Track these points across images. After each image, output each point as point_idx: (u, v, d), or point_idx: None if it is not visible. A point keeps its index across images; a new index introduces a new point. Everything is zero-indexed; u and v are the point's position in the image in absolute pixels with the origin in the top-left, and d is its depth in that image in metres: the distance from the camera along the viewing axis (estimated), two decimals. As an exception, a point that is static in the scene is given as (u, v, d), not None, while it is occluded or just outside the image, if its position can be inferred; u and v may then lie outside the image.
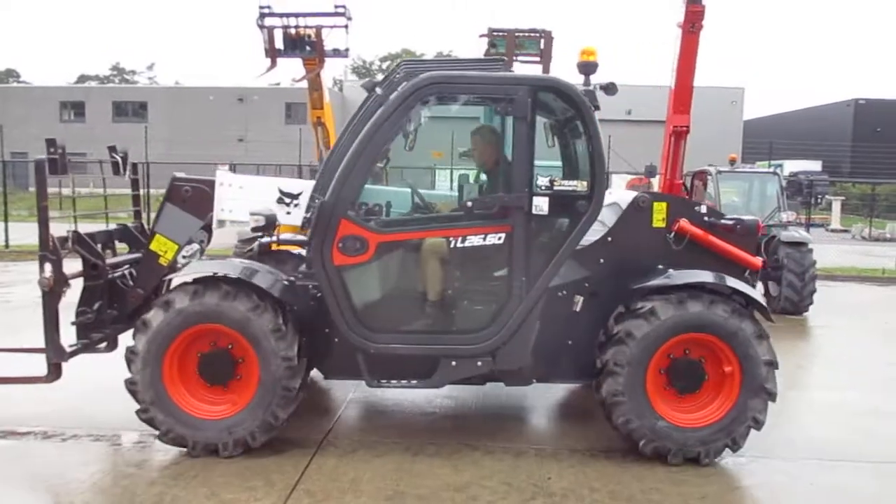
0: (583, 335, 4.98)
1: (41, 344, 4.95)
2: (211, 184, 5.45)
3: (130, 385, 4.68)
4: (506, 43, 10.96)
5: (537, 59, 11.13)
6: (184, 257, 5.75)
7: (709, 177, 11.88)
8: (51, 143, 4.97)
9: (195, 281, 4.73)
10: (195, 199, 5.39)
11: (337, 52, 11.94)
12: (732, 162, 12.56)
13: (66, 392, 5.43)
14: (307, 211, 5.34)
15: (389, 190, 6.48)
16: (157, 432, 4.72)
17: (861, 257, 17.85)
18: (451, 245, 4.65)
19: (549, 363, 5.03)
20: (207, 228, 5.71)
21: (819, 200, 26.96)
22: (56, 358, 5.01)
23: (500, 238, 4.63)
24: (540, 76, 4.63)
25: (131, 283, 5.55)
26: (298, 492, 4.24)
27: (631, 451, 4.85)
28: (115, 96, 41.11)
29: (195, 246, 5.86)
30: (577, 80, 4.88)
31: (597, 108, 4.65)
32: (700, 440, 4.76)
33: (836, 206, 28.64)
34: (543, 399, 6.18)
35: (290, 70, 13.63)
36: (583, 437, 5.31)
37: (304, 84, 12.69)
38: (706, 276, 4.84)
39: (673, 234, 5.04)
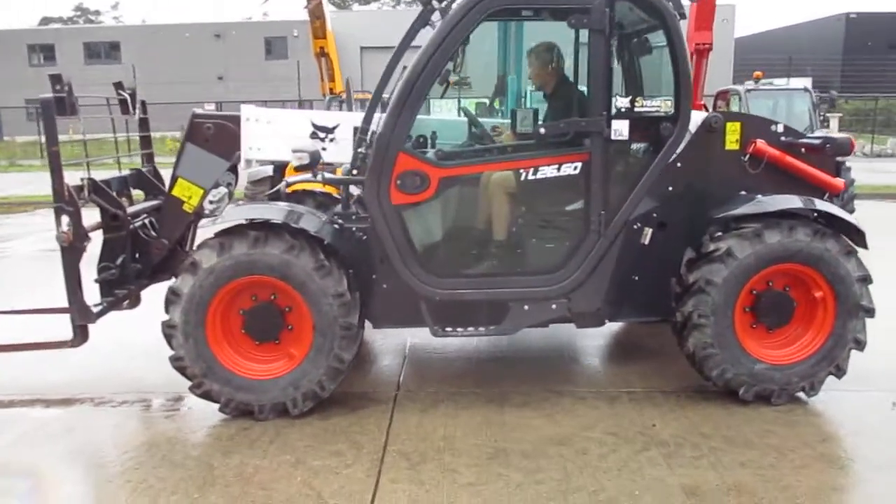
0: (651, 269, 4.63)
1: (58, 303, 4.56)
2: (235, 119, 4.97)
3: (176, 362, 4.29)
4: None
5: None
6: (210, 202, 5.32)
7: (732, 96, 11.44)
8: (56, 79, 4.45)
9: (217, 234, 4.30)
10: (218, 137, 4.91)
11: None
12: (758, 79, 12.08)
13: (98, 355, 5.08)
14: (358, 146, 4.88)
15: (433, 119, 6.00)
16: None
17: (869, 174, 17.55)
18: (522, 178, 4.25)
19: (620, 301, 4.70)
20: (233, 169, 5.27)
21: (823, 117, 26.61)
22: (82, 319, 4.61)
23: (575, 168, 4.23)
24: (618, -20, 4.08)
25: (153, 233, 5.13)
26: (391, 454, 3.93)
27: (726, 392, 4.58)
28: (86, 37, 39.31)
29: (222, 189, 5.40)
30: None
31: (682, 16, 4.19)
32: (802, 374, 4.49)
33: (835, 124, 28.23)
34: (590, 338, 5.87)
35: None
36: (668, 377, 5.03)
37: (275, 16, 11.94)
38: (792, 202, 4.48)
39: (748, 157, 4.67)
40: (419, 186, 4.15)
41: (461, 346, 5.70)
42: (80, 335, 4.66)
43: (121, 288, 4.95)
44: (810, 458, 3.89)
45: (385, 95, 4.36)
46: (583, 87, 4.47)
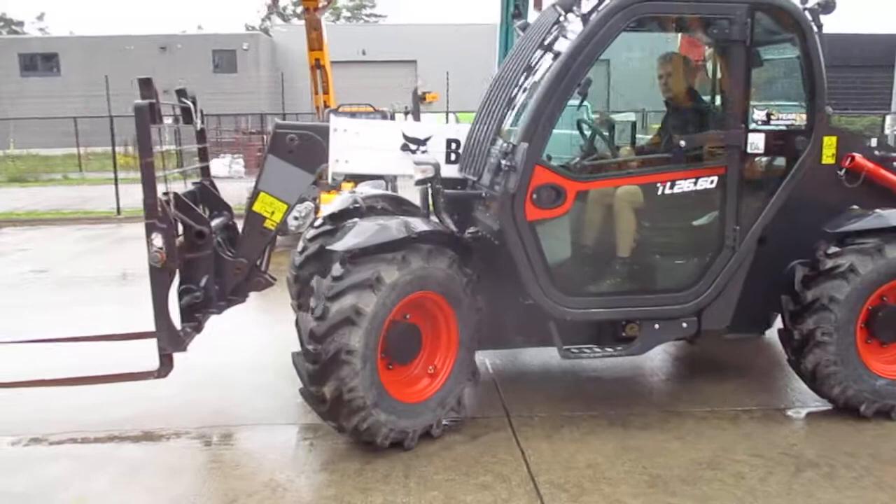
0: (753, 285, 4.54)
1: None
2: (322, 131, 4.70)
3: (349, 393, 3.84)
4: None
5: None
6: (295, 218, 5.03)
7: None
8: (146, 84, 4.13)
9: (383, 247, 3.92)
10: (304, 149, 4.61)
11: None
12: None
13: (163, 383, 4.63)
14: (461, 161, 4.66)
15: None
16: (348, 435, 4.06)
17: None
18: (657, 192, 4.11)
19: (737, 317, 4.59)
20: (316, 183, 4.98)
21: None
22: (172, 347, 4.23)
23: (711, 182, 4.11)
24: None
25: (229, 252, 4.76)
26: (545, 486, 3.70)
27: (839, 409, 4.52)
28: (21, 48, 37.58)
29: (308, 205, 5.15)
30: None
31: (820, 28, 4.14)
32: (922, 388, 4.48)
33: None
34: (662, 354, 5.74)
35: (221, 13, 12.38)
36: (774, 393, 5.00)
37: (234, 29, 11.57)
38: None
39: (845, 171, 4.67)
40: (555, 201, 3.95)
41: (545, 366, 5.50)
42: (167, 364, 4.28)
43: (203, 312, 4.58)
44: (966, 474, 3.84)
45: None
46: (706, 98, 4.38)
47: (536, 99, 3.90)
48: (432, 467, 3.92)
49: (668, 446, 4.15)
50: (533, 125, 3.89)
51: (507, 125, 4.19)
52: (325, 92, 11.90)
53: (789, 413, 4.67)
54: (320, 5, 11.26)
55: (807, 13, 4.08)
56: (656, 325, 4.24)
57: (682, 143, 4.05)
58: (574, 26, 4.03)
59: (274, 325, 6.34)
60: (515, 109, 4.20)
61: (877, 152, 4.85)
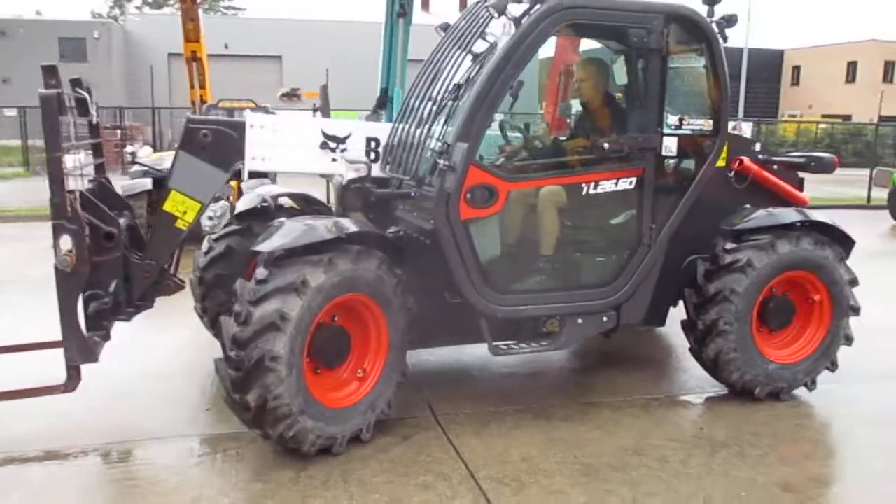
0: (662, 280, 4.83)
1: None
2: (238, 126, 4.51)
3: (274, 401, 3.69)
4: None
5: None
6: (209, 218, 4.80)
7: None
8: (51, 71, 3.82)
9: (310, 249, 3.82)
10: (217, 145, 4.42)
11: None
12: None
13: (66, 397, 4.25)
14: (386, 159, 4.61)
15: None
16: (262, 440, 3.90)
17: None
18: (582, 192, 4.27)
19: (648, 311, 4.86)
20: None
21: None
22: (83, 359, 3.97)
23: (630, 182, 4.33)
24: (673, 4, 4.26)
25: (136, 254, 4.47)
26: (486, 482, 3.74)
27: (734, 393, 4.88)
28: None
29: (224, 204, 4.94)
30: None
31: (725, 39, 4.44)
32: (806, 371, 4.91)
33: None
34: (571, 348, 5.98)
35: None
36: (675, 381, 5.33)
37: (76, 15, 10.95)
38: (798, 214, 4.91)
39: (734, 173, 5.07)
40: (488, 200, 4.01)
41: (461, 364, 5.55)
42: (76, 377, 3.98)
43: (111, 320, 4.27)
44: (857, 443, 4.28)
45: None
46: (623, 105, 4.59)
47: (471, 99, 3.94)
48: (370, 470, 3.86)
49: (591, 436, 4.32)
50: (468, 125, 3.92)
51: (437, 125, 4.19)
52: (202, 86, 11.37)
53: (691, 399, 4.99)
54: (198, -6, 10.77)
55: (714, 25, 4.36)
56: (579, 320, 4.40)
57: (605, 145, 4.23)
58: (504, 29, 4.10)
59: (176, 329, 6.01)
60: (445, 109, 4.20)
61: (760, 156, 5.29)
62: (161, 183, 9.37)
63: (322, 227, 3.91)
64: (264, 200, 5.34)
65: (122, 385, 4.92)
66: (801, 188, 5.56)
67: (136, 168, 11.09)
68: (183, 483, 3.76)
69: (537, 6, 3.95)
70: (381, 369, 4.12)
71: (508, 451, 4.10)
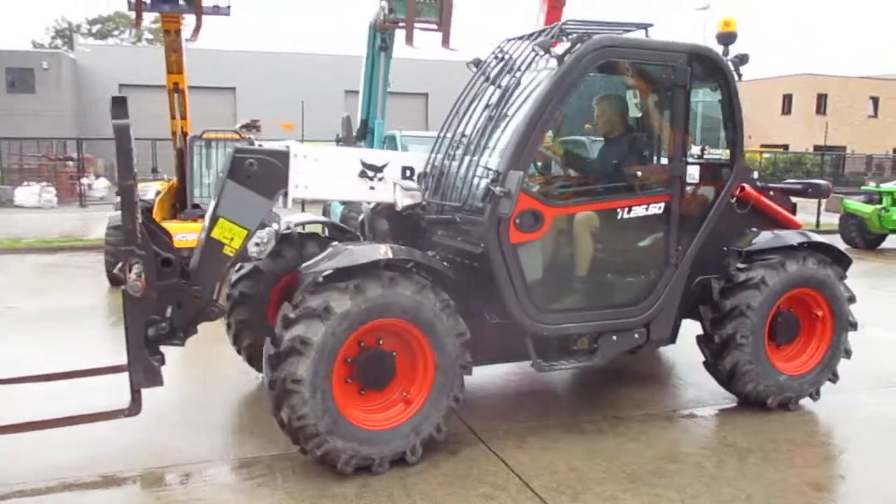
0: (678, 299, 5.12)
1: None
2: (282, 156, 4.67)
3: (298, 421, 3.89)
4: (406, 8, 10.53)
5: (436, 26, 10.89)
6: (256, 245, 4.94)
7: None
8: (121, 103, 3.96)
9: (339, 275, 4.07)
10: (262, 174, 4.55)
11: (217, 10, 10.50)
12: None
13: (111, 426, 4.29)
14: (425, 187, 4.83)
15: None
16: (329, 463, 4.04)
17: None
18: (619, 216, 4.57)
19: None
20: None
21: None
22: (149, 383, 4.08)
23: (659, 207, 4.65)
24: (696, 44, 4.63)
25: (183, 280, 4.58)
26: (543, 491, 3.95)
27: (746, 403, 5.21)
28: None
29: (270, 231, 5.06)
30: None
31: (740, 77, 4.83)
32: (811, 382, 5.28)
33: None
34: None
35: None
36: (691, 394, 5.62)
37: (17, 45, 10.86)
38: (802, 237, 5.30)
39: (736, 199, 5.46)
40: (534, 225, 4.28)
41: (478, 384, 5.74)
42: (138, 401, 4.05)
43: (167, 345, 4.36)
44: (869, 446, 4.64)
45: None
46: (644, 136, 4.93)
47: (520, 130, 4.21)
48: (428, 484, 4.03)
49: (628, 447, 4.57)
50: (515, 156, 4.19)
51: (482, 155, 4.44)
52: (184, 117, 11.34)
53: (708, 410, 5.30)
54: (182, 27, 10.82)
55: (730, 64, 4.76)
56: (614, 337, 4.68)
57: (639, 173, 4.55)
58: (545, 65, 4.41)
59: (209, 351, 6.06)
60: (493, 140, 4.46)
61: (759, 183, 5.69)
62: (148, 214, 9.32)
63: (368, 250, 4.12)
64: (288, 227, 5.50)
65: (158, 411, 4.96)
66: (794, 213, 5.99)
67: (119, 199, 11.02)
68: (255, 500, 3.86)
69: (578, 45, 4.27)
70: (428, 393, 4.23)
71: (554, 462, 4.32)
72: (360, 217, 6.36)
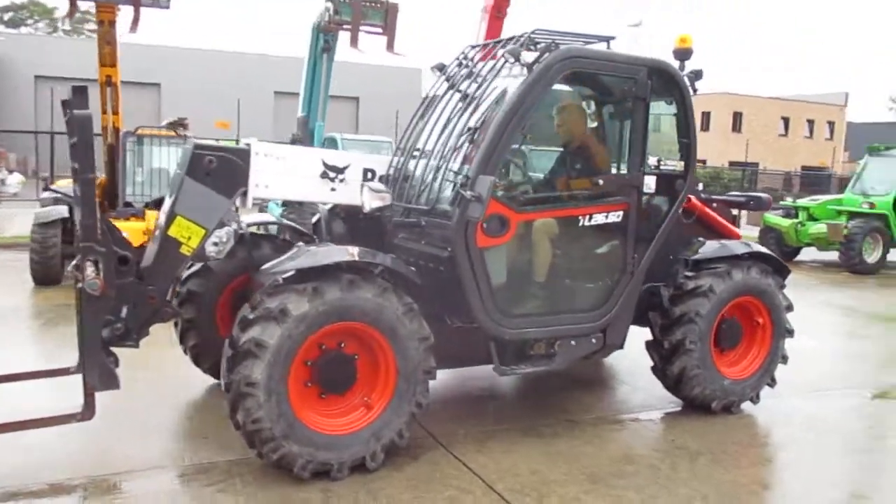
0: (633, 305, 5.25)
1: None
2: (242, 154, 4.58)
3: (252, 424, 3.83)
4: (351, 11, 10.47)
5: (381, 30, 10.85)
6: (214, 244, 4.82)
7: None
8: (82, 92, 3.79)
9: (300, 277, 4.02)
10: (222, 172, 4.45)
11: (156, 2, 10.14)
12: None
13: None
14: (383, 184, 4.80)
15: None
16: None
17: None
18: (580, 223, 4.67)
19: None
20: None
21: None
22: (104, 385, 3.91)
23: (618, 216, 4.77)
24: (654, 59, 4.77)
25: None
26: (509, 494, 3.98)
27: (692, 407, 5.40)
28: None
29: (229, 230, 4.93)
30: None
31: (695, 91, 5.02)
32: (752, 386, 5.51)
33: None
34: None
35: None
36: (633, 399, 5.78)
37: None
38: (746, 247, 5.54)
39: (682, 210, 5.67)
40: (500, 230, 4.33)
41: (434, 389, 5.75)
42: (92, 405, 3.88)
43: (120, 346, 4.19)
44: (810, 447, 4.88)
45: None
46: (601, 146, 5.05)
47: (489, 137, 4.25)
48: (394, 488, 4.00)
49: (585, 450, 4.66)
50: (483, 161, 4.23)
51: (450, 160, 4.46)
52: (115, 112, 10.91)
53: (655, 414, 5.45)
54: (116, 17, 10.44)
55: (685, 79, 4.94)
56: (573, 342, 4.77)
57: (601, 181, 4.66)
58: (511, 73, 4.47)
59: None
60: (459, 145, 4.48)
61: (703, 195, 5.93)
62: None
63: (327, 252, 4.09)
64: (240, 227, 5.39)
65: (109, 413, 4.76)
66: (735, 224, 6.26)
67: (45, 195, 10.54)
68: (207, 509, 3.76)
69: (546, 54, 4.35)
70: (389, 398, 4.18)
71: (516, 465, 4.36)
72: (315, 218, 6.30)
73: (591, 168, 4.95)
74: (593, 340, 4.87)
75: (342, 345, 4.13)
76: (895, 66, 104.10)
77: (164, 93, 37.26)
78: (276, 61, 37.58)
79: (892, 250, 14.19)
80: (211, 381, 5.53)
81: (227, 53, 38.83)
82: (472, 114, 4.52)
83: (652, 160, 5.01)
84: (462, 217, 4.17)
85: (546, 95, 4.46)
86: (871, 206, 14.09)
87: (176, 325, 5.38)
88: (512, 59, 4.33)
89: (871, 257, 13.87)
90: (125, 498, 3.85)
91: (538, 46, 4.44)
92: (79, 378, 3.92)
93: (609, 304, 4.85)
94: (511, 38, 4.62)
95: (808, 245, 14.53)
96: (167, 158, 11.05)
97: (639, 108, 4.72)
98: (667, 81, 4.88)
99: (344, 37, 10.77)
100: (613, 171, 4.99)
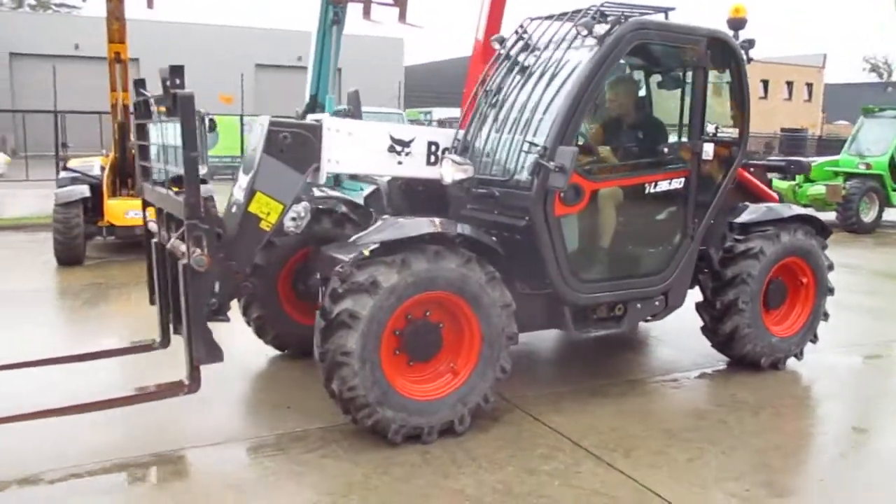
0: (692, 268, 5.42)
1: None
2: (315, 130, 4.66)
3: (349, 392, 3.98)
4: (364, -18, 10.43)
5: (392, 1, 10.83)
6: (293, 219, 4.90)
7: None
8: (179, 72, 3.88)
9: (386, 249, 4.15)
10: (296, 148, 4.53)
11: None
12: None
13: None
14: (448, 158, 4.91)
15: None
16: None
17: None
18: (646, 191, 4.84)
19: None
20: None
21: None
22: (210, 358, 4.02)
23: (680, 182, 4.94)
24: (714, 29, 4.90)
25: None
26: (596, 449, 4.18)
27: (740, 364, 5.63)
28: None
29: (306, 205, 5.01)
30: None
31: (749, 60, 5.16)
32: (796, 343, 5.75)
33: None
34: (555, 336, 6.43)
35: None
36: (685, 360, 5.99)
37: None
38: (791, 210, 5.75)
39: None
40: (575, 199, 4.48)
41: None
42: (198, 378, 4.00)
43: (213, 321, 4.29)
44: (863, 398, 5.15)
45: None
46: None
47: (564, 108, 4.37)
48: (486, 448, 4.18)
49: (654, 407, 4.89)
50: (560, 133, 4.35)
51: (522, 132, 4.57)
52: (125, 89, 10.84)
53: (708, 371, 5.69)
54: (126, -7, 10.33)
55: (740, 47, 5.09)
56: (638, 305, 4.96)
57: (665, 150, 4.82)
58: (583, 43, 4.58)
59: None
60: (532, 117, 4.58)
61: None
62: (96, 189, 8.95)
63: (414, 224, 4.21)
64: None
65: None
66: (770, 187, 6.46)
67: (63, 175, 10.45)
68: (325, 471, 3.91)
69: (617, 26, 4.46)
70: (475, 364, 4.33)
71: (594, 423, 4.56)
72: (367, 191, 6.39)
73: (652, 137, 5.10)
74: (657, 303, 5.06)
75: (428, 313, 4.27)
76: (871, 27, 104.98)
77: (142, 68, 36.58)
78: (258, 34, 37.10)
79: (887, 209, 14.57)
80: (273, 352, 5.67)
81: (208, 27, 38.19)
82: (543, 87, 4.62)
83: (709, 127, 5.16)
84: (542, 187, 4.30)
85: (616, 67, 4.57)
86: (868, 166, 14.42)
87: (239, 298, 5.47)
88: (585, 32, 4.43)
89: (868, 217, 14.23)
90: (235, 465, 3.99)
91: (608, 19, 4.55)
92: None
93: (671, 268, 5.04)
94: (577, 11, 4.72)
95: (807, 206, 14.82)
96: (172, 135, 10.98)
97: (699, 77, 4.86)
98: (724, 51, 5.02)
99: (354, 8, 10.73)
100: (672, 139, 5.13)
